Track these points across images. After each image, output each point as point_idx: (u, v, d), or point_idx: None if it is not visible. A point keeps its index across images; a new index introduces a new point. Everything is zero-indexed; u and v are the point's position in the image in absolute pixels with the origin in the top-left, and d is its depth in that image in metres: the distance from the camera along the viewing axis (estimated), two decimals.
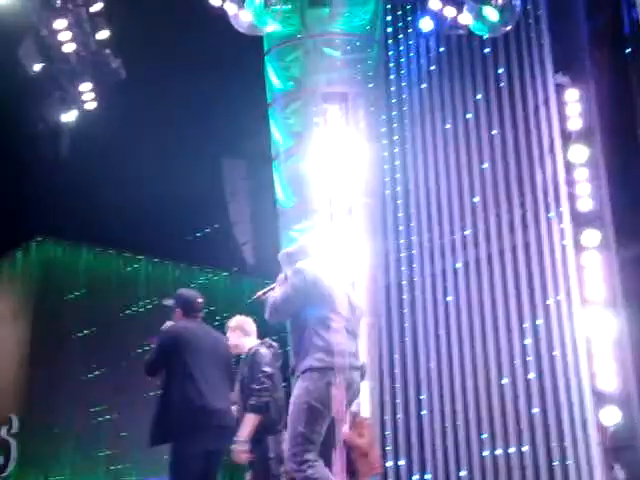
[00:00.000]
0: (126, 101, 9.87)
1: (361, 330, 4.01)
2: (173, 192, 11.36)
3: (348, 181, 9.19)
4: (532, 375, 8.41)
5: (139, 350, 13.40)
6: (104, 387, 13.42)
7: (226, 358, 4.99)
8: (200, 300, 4.96)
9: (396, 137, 9.58)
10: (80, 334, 13.30)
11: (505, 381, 8.47)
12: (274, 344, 5.43)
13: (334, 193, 9.17)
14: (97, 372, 13.49)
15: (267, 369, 5.06)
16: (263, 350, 5.30)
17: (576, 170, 8.94)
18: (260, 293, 4.21)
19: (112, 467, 13.30)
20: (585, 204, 8.83)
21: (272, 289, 4.08)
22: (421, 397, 8.75)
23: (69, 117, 8.57)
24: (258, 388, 4.95)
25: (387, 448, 8.66)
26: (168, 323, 4.88)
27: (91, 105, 8.68)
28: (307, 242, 4.22)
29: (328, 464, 3.84)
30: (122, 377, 13.42)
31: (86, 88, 8.51)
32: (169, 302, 4.95)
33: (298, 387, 3.76)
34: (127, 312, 13.69)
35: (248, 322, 5.62)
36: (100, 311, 13.47)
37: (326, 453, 3.84)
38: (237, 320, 5.59)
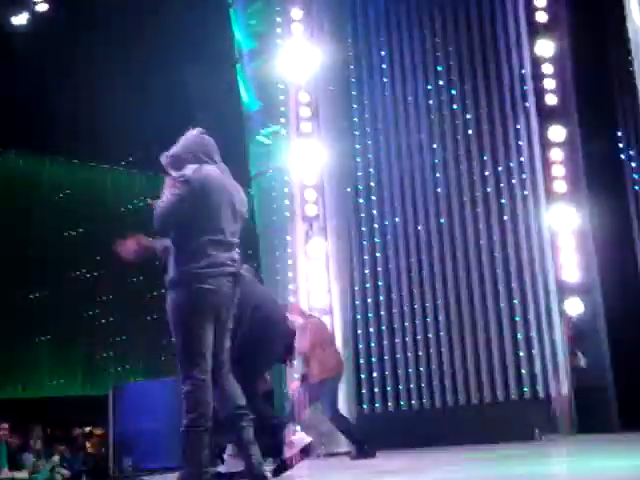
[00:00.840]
0: (82, 5, 9.46)
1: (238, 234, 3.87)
2: (134, 100, 11.05)
3: (313, 82, 9.04)
4: (499, 268, 8.58)
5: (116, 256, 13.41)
6: (85, 293, 13.50)
7: None
8: None
9: (361, 33, 9.36)
10: (50, 240, 13.26)
11: (473, 274, 8.64)
12: None
13: (299, 95, 9.02)
14: (76, 279, 13.51)
15: None
16: None
17: (543, 65, 8.87)
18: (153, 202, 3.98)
19: (95, 374, 13.52)
20: (551, 99, 8.82)
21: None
22: (391, 294, 8.90)
23: (20, 20, 8.22)
24: None
25: (360, 346, 8.87)
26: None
27: (42, 7, 8.33)
28: (191, 141, 3.90)
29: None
30: (101, 283, 13.47)
31: None
32: None
33: (168, 300, 3.68)
34: (97, 218, 13.59)
35: None
36: (66, 217, 13.39)
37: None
38: None
